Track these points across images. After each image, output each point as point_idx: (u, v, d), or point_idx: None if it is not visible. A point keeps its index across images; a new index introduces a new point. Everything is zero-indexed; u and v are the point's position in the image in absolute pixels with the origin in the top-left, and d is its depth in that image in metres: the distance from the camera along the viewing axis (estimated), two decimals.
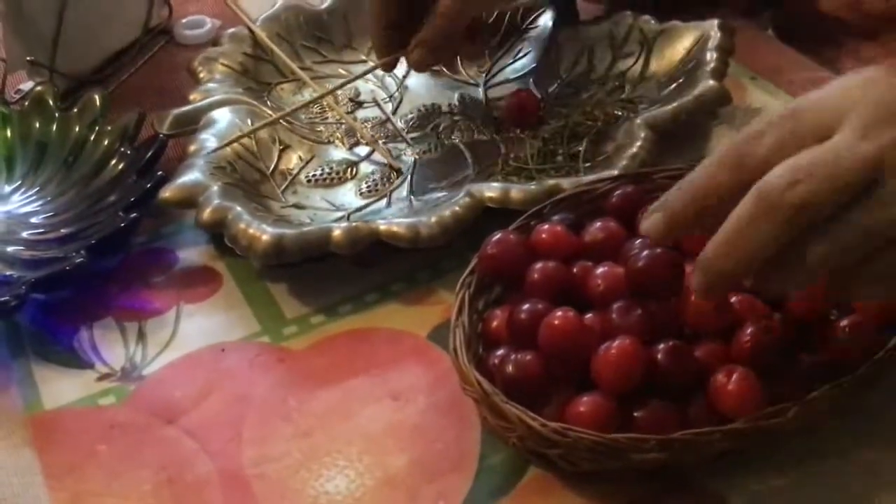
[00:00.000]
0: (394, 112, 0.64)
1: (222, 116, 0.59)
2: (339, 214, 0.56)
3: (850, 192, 0.35)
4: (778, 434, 0.40)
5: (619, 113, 0.60)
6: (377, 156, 0.60)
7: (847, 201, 0.35)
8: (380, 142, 0.61)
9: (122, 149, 0.58)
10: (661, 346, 0.40)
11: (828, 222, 0.35)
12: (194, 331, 0.51)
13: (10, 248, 0.54)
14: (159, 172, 0.55)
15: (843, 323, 0.42)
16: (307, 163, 0.60)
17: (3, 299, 0.49)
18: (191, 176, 0.55)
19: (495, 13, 0.68)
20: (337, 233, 0.51)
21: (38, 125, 0.61)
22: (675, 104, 0.57)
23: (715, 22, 0.62)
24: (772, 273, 0.36)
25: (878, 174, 0.35)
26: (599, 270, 0.44)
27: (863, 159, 0.35)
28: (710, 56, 0.60)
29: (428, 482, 0.43)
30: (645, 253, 0.42)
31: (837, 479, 0.41)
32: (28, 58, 0.63)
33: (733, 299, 0.42)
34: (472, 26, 0.61)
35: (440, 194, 0.56)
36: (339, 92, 0.65)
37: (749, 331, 0.41)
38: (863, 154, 0.35)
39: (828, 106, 0.37)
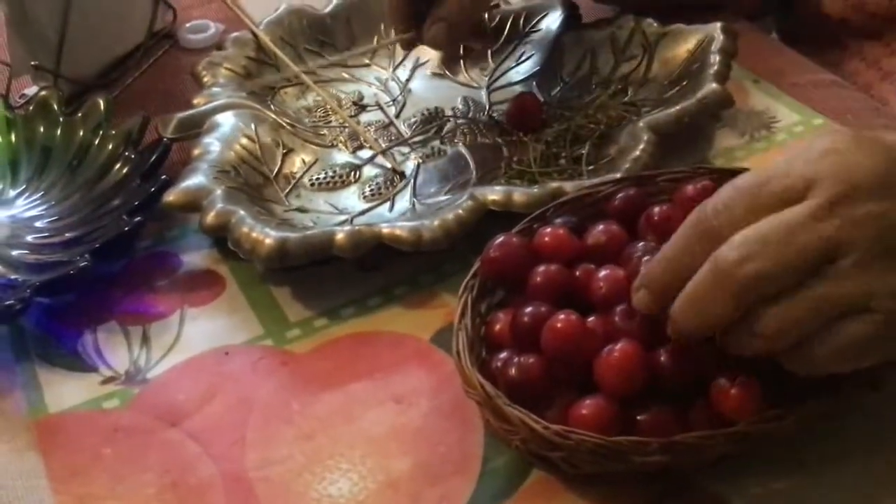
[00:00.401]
0: (397, 116, 0.64)
1: (226, 120, 0.60)
2: (343, 218, 0.56)
3: (801, 270, 0.36)
4: (779, 437, 0.40)
5: (622, 116, 0.60)
6: (380, 159, 0.60)
7: (798, 278, 0.36)
8: (382, 144, 0.61)
9: (127, 153, 0.58)
10: (663, 349, 0.40)
11: (780, 294, 0.36)
12: (198, 334, 0.51)
13: (14, 252, 0.55)
14: (163, 176, 0.55)
15: None
16: (310, 166, 0.60)
17: (7, 303, 0.49)
18: (194, 180, 0.55)
19: (500, 8, 0.68)
20: (340, 236, 0.51)
21: (42, 129, 0.61)
22: (677, 107, 0.57)
23: (718, 25, 0.62)
24: (731, 337, 0.38)
25: (833, 252, 0.36)
26: (602, 273, 0.44)
27: (818, 238, 0.36)
28: (713, 59, 0.60)
29: (431, 485, 0.43)
30: (647, 258, 0.42)
31: (838, 481, 0.41)
32: (33, 62, 0.63)
33: None
34: (477, 23, 0.61)
35: (443, 198, 0.56)
36: (342, 96, 0.65)
37: None
38: (818, 233, 0.36)
39: (794, 173, 0.37)
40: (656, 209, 0.47)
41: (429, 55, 0.68)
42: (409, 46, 0.62)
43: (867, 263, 0.36)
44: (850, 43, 0.69)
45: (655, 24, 0.64)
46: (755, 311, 0.36)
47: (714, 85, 0.58)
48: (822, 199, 0.36)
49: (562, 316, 0.42)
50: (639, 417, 0.40)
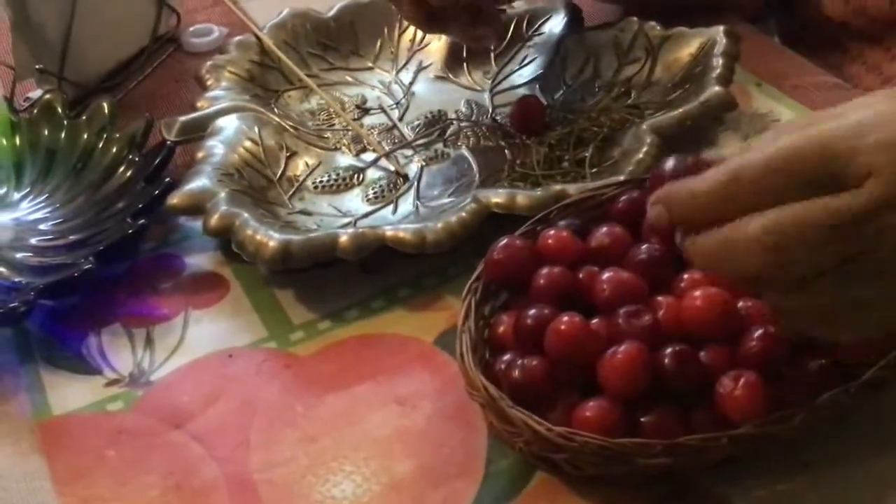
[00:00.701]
0: (400, 119, 0.64)
1: (229, 123, 0.60)
2: (346, 220, 0.56)
3: (826, 262, 0.35)
4: (783, 439, 0.40)
5: (625, 118, 0.60)
6: (384, 162, 0.60)
7: (821, 271, 0.35)
8: (386, 147, 0.61)
9: (131, 156, 0.58)
10: (667, 351, 0.41)
11: (801, 282, 0.36)
12: (202, 336, 0.51)
13: (18, 255, 0.55)
14: (167, 179, 0.55)
15: None
16: (314, 169, 0.60)
17: (11, 305, 0.49)
18: (198, 182, 0.55)
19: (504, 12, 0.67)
20: (344, 239, 0.51)
21: (46, 132, 0.61)
22: (681, 110, 0.57)
23: (720, 28, 0.62)
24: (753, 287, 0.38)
25: (860, 255, 0.35)
26: (605, 276, 0.44)
27: (851, 239, 0.35)
28: (716, 62, 0.60)
29: (434, 487, 0.43)
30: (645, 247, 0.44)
31: (842, 484, 0.41)
32: (37, 66, 0.64)
33: (739, 304, 0.42)
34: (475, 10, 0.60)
35: (446, 200, 0.56)
36: (345, 99, 0.66)
37: (756, 336, 0.41)
38: (856, 235, 0.34)
39: (839, 150, 0.35)
40: None
41: (432, 57, 0.68)
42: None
43: (884, 271, 0.35)
44: (851, 46, 0.69)
45: (658, 28, 0.64)
46: (765, 283, 0.36)
47: (717, 88, 0.58)
48: (873, 198, 0.34)
49: (565, 318, 0.42)
50: (642, 419, 0.40)
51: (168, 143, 0.59)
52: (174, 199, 0.54)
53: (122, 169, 0.58)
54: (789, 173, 0.35)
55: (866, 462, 0.42)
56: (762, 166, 0.36)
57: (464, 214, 0.52)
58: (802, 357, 0.42)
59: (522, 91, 0.65)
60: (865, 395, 0.41)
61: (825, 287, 0.36)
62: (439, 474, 0.43)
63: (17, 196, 0.59)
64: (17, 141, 0.62)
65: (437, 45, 0.68)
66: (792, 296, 0.36)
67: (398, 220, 0.55)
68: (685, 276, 0.45)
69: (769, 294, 0.37)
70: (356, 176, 0.60)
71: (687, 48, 0.62)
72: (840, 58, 0.69)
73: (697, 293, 0.42)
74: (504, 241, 0.46)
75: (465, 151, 0.61)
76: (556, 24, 0.68)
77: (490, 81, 0.66)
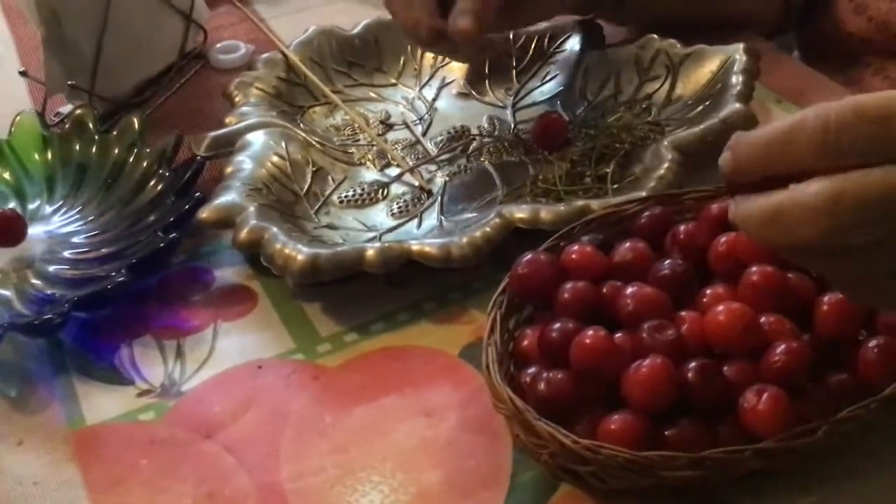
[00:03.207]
0: (424, 134, 0.65)
1: (257, 139, 0.61)
2: (371, 235, 0.57)
3: (881, 233, 0.34)
4: (806, 453, 0.40)
5: (646, 135, 0.61)
6: (408, 177, 0.61)
7: (873, 239, 0.34)
8: (409, 162, 0.62)
9: (161, 170, 0.59)
10: (691, 365, 0.41)
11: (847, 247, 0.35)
12: (231, 348, 0.52)
13: (51, 268, 0.56)
14: (197, 193, 0.56)
15: (871, 344, 0.42)
16: (339, 184, 0.61)
17: (46, 317, 0.50)
18: (228, 197, 0.56)
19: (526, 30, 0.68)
20: (370, 253, 0.52)
21: (78, 147, 0.62)
22: (702, 127, 0.58)
23: (740, 45, 0.63)
24: (782, 251, 0.37)
25: None
26: (629, 290, 0.45)
27: None
28: (736, 79, 0.61)
29: (461, 498, 0.43)
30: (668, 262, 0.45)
31: (863, 498, 0.42)
32: (69, 82, 0.65)
33: (762, 320, 0.43)
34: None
35: (470, 215, 0.57)
36: (370, 115, 0.67)
37: (779, 351, 0.41)
38: None
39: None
40: (682, 227, 0.48)
41: (455, 74, 0.69)
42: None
43: None
44: (873, 61, 0.69)
45: (679, 45, 0.65)
46: (814, 251, 0.35)
47: (738, 105, 0.59)
48: None
49: (590, 332, 0.42)
50: (667, 433, 0.41)
51: (198, 157, 0.60)
52: (204, 213, 0.55)
53: (152, 183, 0.59)
54: (852, 128, 0.34)
55: (888, 478, 0.42)
56: (823, 120, 0.34)
57: (488, 229, 0.53)
58: (825, 372, 0.42)
59: (544, 107, 0.65)
60: (887, 410, 0.41)
61: (881, 256, 0.35)
62: (465, 485, 0.44)
63: (49, 210, 0.61)
64: (49, 155, 0.63)
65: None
66: (845, 264, 0.35)
67: (423, 235, 0.56)
68: (708, 291, 0.45)
69: (818, 264, 0.36)
70: (381, 191, 0.61)
71: (707, 65, 0.63)
72: (861, 72, 0.70)
73: (720, 308, 0.43)
74: (529, 256, 0.47)
75: (487, 167, 0.62)
76: (577, 41, 0.69)
77: (512, 98, 0.67)
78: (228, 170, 0.59)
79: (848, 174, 0.34)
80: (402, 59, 0.70)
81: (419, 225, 0.58)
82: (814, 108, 0.35)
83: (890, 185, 0.34)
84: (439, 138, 0.65)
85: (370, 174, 0.62)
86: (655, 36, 0.65)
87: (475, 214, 0.57)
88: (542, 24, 0.69)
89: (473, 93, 0.68)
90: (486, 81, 0.68)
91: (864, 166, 0.34)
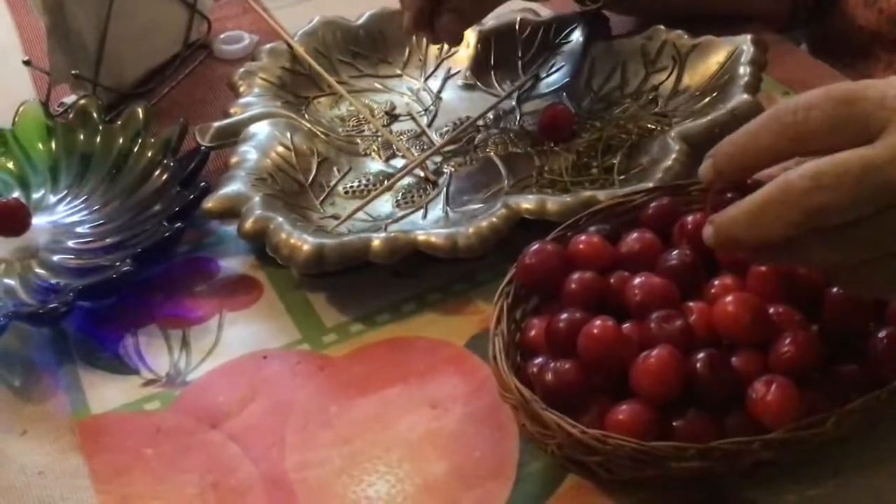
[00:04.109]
0: (429, 125, 0.65)
1: (262, 129, 0.61)
2: (376, 225, 0.57)
3: (866, 211, 0.36)
4: (814, 444, 0.40)
5: (653, 126, 0.60)
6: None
7: (859, 215, 0.36)
8: (415, 153, 0.62)
9: (165, 160, 0.59)
10: (699, 355, 0.41)
11: (836, 228, 0.36)
12: (236, 338, 0.52)
13: (56, 257, 0.56)
14: (202, 183, 0.56)
15: (880, 335, 0.42)
16: (344, 175, 0.61)
17: (51, 306, 0.50)
18: (233, 187, 0.56)
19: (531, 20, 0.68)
20: (376, 243, 0.52)
21: (82, 137, 0.62)
22: (709, 118, 0.58)
23: (748, 37, 0.62)
24: (772, 254, 0.38)
25: (892, 207, 0.36)
26: (636, 281, 0.44)
27: (888, 185, 0.35)
28: (744, 70, 0.60)
29: (467, 489, 0.43)
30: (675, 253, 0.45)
31: (872, 489, 0.42)
32: (73, 72, 0.65)
33: (771, 310, 0.43)
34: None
35: (476, 206, 0.57)
36: (375, 105, 0.66)
37: (787, 341, 0.41)
38: (892, 178, 0.35)
39: (886, 105, 0.36)
40: (690, 218, 0.47)
41: (460, 65, 0.69)
42: (415, 29, 0.62)
43: None
44: (883, 56, 0.69)
45: (686, 36, 0.64)
46: (806, 238, 0.37)
47: (745, 96, 0.58)
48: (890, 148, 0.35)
49: (598, 322, 0.42)
50: (675, 423, 0.40)
51: (202, 148, 0.59)
52: (209, 203, 0.55)
53: (157, 173, 0.59)
54: (829, 114, 0.36)
55: None
56: (804, 104, 0.36)
57: (494, 220, 0.53)
58: (834, 363, 0.42)
59: (550, 99, 0.65)
60: (895, 400, 0.41)
61: (862, 237, 0.36)
62: (472, 476, 0.44)
63: (53, 199, 0.60)
64: (53, 145, 0.63)
65: (465, 52, 0.69)
66: (828, 249, 0.36)
67: (428, 226, 0.56)
68: (716, 281, 0.45)
69: (812, 255, 0.37)
70: (386, 181, 0.60)
71: (714, 56, 0.63)
72: (872, 67, 0.69)
73: (729, 298, 0.43)
74: (536, 246, 0.47)
75: (493, 158, 0.61)
76: (583, 32, 0.68)
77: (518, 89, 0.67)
78: (233, 160, 0.59)
79: (826, 157, 0.36)
80: (407, 49, 0.70)
81: (425, 216, 0.58)
82: (785, 99, 0.37)
83: (866, 161, 0.35)
84: (444, 129, 0.64)
85: (375, 165, 0.62)
86: (662, 27, 0.65)
87: (481, 206, 0.57)
88: (545, 13, 0.69)
89: (479, 84, 0.68)
90: (492, 73, 0.68)
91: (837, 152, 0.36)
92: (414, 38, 0.69)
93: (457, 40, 0.63)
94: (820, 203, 0.35)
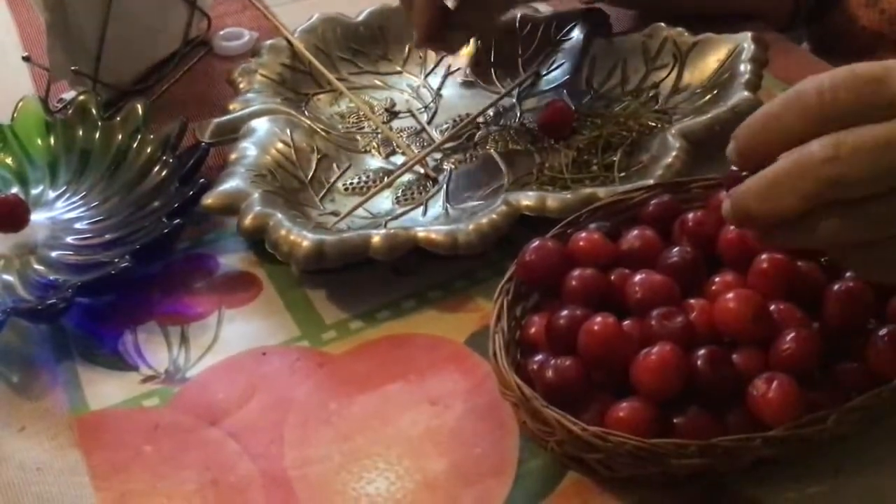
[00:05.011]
0: (429, 122, 0.65)
1: (261, 126, 0.61)
2: (376, 222, 0.56)
3: (883, 185, 0.35)
4: (816, 442, 0.40)
5: (654, 124, 0.60)
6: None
7: (875, 192, 0.35)
8: (415, 150, 0.62)
9: (165, 157, 0.59)
10: (700, 352, 0.41)
11: (851, 203, 0.35)
12: (235, 335, 0.52)
13: (55, 253, 0.56)
14: (202, 180, 0.56)
15: (881, 332, 0.42)
16: (344, 171, 0.61)
17: (49, 302, 0.50)
18: (232, 183, 0.56)
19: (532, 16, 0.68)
20: (376, 239, 0.51)
21: (81, 133, 0.62)
22: (709, 115, 0.58)
23: (748, 34, 0.62)
24: (784, 229, 0.37)
25: None
26: (637, 278, 0.44)
27: None
28: (745, 68, 0.60)
29: (467, 486, 0.43)
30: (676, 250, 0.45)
31: (873, 487, 0.42)
32: (73, 68, 0.64)
33: (772, 308, 0.43)
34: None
35: (476, 203, 0.57)
36: (374, 102, 0.66)
37: (788, 338, 0.41)
38: None
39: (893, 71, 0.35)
40: (691, 215, 0.47)
41: (460, 62, 0.69)
42: (426, 44, 0.63)
43: None
44: (885, 56, 0.69)
45: (686, 34, 0.64)
46: (819, 212, 0.36)
47: (746, 93, 0.58)
48: None
49: (598, 319, 0.42)
50: (675, 420, 0.40)
51: (202, 144, 0.59)
52: (209, 200, 0.55)
53: (156, 169, 0.59)
54: (854, 94, 0.35)
55: None
56: (829, 83, 0.35)
57: (494, 216, 0.53)
58: (835, 360, 0.42)
59: (550, 96, 0.65)
60: None
61: (878, 214, 0.35)
62: (472, 473, 0.44)
63: (52, 195, 0.60)
64: (52, 141, 0.62)
65: (465, 49, 0.69)
66: (842, 226, 0.35)
67: (428, 222, 0.56)
68: (717, 278, 0.45)
69: (824, 234, 0.36)
70: (386, 178, 0.60)
71: (715, 54, 0.63)
72: None
73: (730, 295, 0.43)
74: (536, 243, 0.47)
75: (493, 154, 0.61)
76: (583, 29, 0.68)
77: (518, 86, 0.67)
78: (233, 156, 0.58)
79: (848, 129, 0.35)
80: (406, 46, 0.70)
81: (424, 212, 0.57)
82: (809, 78, 0.36)
83: (890, 135, 0.34)
84: (444, 126, 0.64)
85: (375, 162, 0.62)
86: (663, 24, 0.65)
87: (481, 202, 0.57)
88: (544, 9, 0.69)
89: (479, 81, 0.67)
90: (492, 70, 0.68)
91: None
92: (414, 34, 0.69)
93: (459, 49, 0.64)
94: (837, 174, 0.34)
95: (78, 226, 0.58)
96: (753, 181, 0.37)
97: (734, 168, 0.39)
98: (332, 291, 0.53)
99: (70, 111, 0.63)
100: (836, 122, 0.35)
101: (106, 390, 0.49)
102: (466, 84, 0.68)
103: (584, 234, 0.47)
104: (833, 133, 0.35)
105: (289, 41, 0.68)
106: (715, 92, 0.61)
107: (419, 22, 0.61)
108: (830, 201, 0.35)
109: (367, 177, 0.60)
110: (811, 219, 0.36)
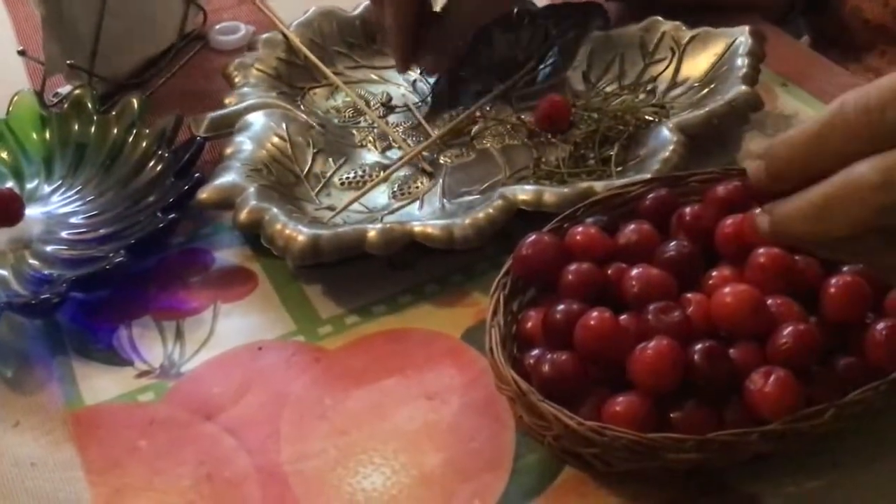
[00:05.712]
0: (425, 116, 0.64)
1: (257, 119, 0.60)
2: (372, 216, 0.56)
3: None
4: (813, 437, 0.40)
5: (651, 118, 0.60)
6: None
7: None
8: (411, 144, 0.61)
9: (160, 151, 0.59)
10: (697, 347, 0.41)
11: None
12: (231, 330, 0.51)
13: (49, 248, 0.55)
14: (196, 174, 0.56)
15: (879, 326, 0.42)
16: (340, 166, 0.60)
17: (43, 297, 0.50)
18: (227, 178, 0.55)
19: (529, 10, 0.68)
20: (372, 234, 0.51)
21: (77, 127, 0.62)
22: (707, 109, 0.57)
23: (746, 28, 0.62)
24: (825, 249, 0.36)
25: None
26: (634, 272, 0.44)
27: None
28: (742, 62, 0.60)
29: (463, 481, 0.43)
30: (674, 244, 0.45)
31: (870, 482, 0.42)
32: (68, 62, 0.64)
33: (769, 302, 0.42)
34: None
35: (472, 197, 0.57)
36: (371, 96, 0.66)
37: (786, 333, 0.41)
38: None
39: None
40: (688, 209, 0.47)
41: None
42: (404, 69, 0.65)
43: None
44: (889, 50, 0.69)
45: (684, 28, 0.64)
46: (869, 236, 0.34)
47: (744, 87, 0.58)
48: None
49: (595, 313, 0.42)
50: (672, 415, 0.40)
51: (198, 138, 0.59)
52: (204, 194, 0.54)
53: (151, 164, 0.58)
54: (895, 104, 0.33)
55: (894, 460, 0.42)
56: (873, 103, 0.33)
57: (491, 211, 0.52)
58: (832, 355, 0.42)
59: (547, 90, 0.65)
60: (895, 393, 0.41)
61: None
62: (468, 468, 0.43)
63: (47, 189, 0.60)
64: (47, 135, 0.62)
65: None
66: (892, 251, 0.34)
67: (425, 217, 0.56)
68: (714, 273, 0.45)
69: (866, 250, 0.35)
70: (382, 172, 0.60)
71: (712, 48, 0.62)
72: (878, 60, 0.69)
73: (727, 290, 0.42)
74: (532, 237, 0.47)
75: (490, 149, 0.61)
76: (580, 23, 0.68)
77: (515, 80, 0.66)
78: (228, 150, 0.58)
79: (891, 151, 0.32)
80: None
81: (421, 207, 0.57)
82: (850, 93, 0.34)
83: None
84: (441, 120, 0.64)
85: (371, 156, 0.61)
86: (660, 18, 0.65)
87: (478, 197, 0.56)
88: (543, 3, 0.68)
89: (476, 75, 0.67)
90: (489, 64, 0.68)
91: None
92: None
93: (444, 71, 0.65)
94: (891, 202, 0.32)
95: (73, 220, 0.57)
96: (800, 203, 0.34)
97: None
98: (328, 286, 0.53)
99: (65, 105, 0.63)
100: (888, 145, 0.33)
101: (101, 385, 0.49)
102: (463, 78, 0.67)
103: (580, 229, 0.47)
104: (881, 154, 0.33)
105: (285, 35, 0.68)
106: (712, 86, 0.61)
107: (393, 52, 0.63)
108: (882, 227, 0.34)
109: (364, 171, 0.60)
110: (861, 242, 0.34)
